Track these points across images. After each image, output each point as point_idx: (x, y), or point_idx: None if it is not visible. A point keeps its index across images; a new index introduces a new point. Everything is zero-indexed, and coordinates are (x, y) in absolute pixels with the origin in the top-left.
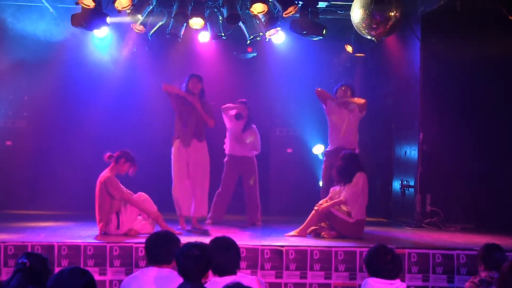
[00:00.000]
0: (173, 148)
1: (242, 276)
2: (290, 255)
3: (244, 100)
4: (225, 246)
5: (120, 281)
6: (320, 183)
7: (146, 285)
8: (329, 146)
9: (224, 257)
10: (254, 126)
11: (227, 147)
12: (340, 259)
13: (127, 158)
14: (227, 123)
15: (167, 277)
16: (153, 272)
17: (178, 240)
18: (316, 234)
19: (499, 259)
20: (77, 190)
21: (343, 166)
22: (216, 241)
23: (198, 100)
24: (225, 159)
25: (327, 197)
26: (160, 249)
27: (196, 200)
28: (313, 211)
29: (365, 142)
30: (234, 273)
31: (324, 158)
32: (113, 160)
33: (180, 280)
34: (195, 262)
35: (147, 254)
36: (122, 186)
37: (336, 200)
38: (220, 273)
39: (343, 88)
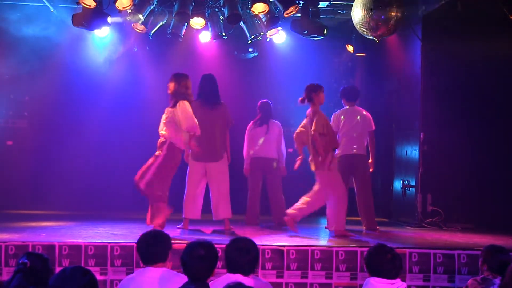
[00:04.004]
0: None
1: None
2: (291, 255)
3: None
4: (245, 249)
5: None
6: None
7: (144, 285)
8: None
9: (242, 258)
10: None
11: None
12: (341, 259)
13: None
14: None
15: (165, 277)
16: (150, 272)
17: (168, 238)
18: None
19: (503, 261)
20: (77, 190)
21: None
22: (236, 241)
23: None
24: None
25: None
26: (153, 249)
27: None
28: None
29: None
30: (247, 275)
31: None
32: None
33: (178, 278)
34: (201, 261)
35: (140, 255)
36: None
37: None
38: (233, 271)
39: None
